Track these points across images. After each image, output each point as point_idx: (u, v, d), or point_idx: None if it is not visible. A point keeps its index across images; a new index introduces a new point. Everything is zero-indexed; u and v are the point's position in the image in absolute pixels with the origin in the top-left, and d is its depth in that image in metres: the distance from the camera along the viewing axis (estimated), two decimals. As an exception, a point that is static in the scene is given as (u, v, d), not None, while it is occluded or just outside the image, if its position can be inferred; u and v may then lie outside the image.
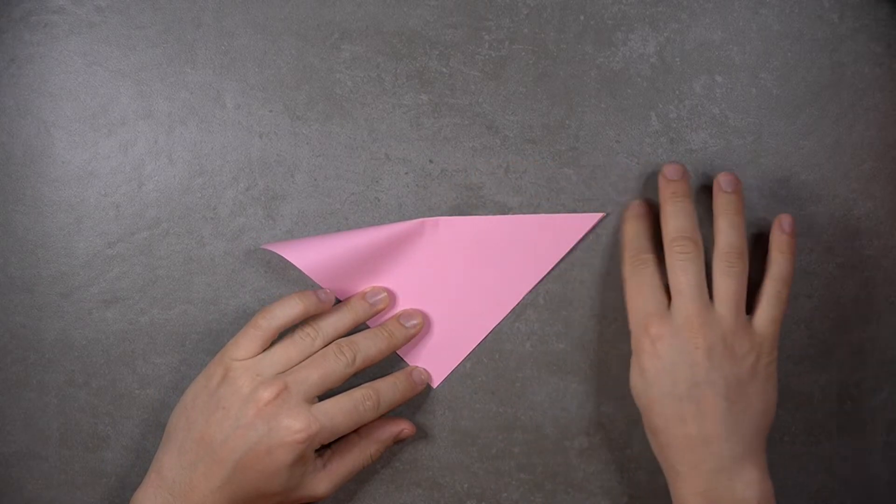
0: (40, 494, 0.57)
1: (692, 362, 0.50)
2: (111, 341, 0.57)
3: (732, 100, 0.57)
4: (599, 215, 0.57)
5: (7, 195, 0.56)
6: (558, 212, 0.57)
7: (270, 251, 0.56)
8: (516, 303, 0.57)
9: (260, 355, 0.52)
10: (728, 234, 0.53)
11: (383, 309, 0.56)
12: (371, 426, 0.55)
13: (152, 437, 0.57)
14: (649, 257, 0.54)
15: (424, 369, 0.57)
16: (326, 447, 0.54)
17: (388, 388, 0.54)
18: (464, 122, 0.57)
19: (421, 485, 0.58)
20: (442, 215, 0.57)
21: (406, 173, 0.57)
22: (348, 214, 0.57)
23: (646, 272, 0.54)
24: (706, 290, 0.52)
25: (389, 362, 0.57)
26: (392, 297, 0.56)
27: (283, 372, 0.52)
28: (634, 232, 0.55)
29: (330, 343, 0.53)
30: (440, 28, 0.56)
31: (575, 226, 0.57)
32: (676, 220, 0.54)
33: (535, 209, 0.57)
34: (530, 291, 0.58)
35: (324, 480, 0.53)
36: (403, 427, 0.56)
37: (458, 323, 0.57)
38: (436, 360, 0.58)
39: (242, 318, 0.57)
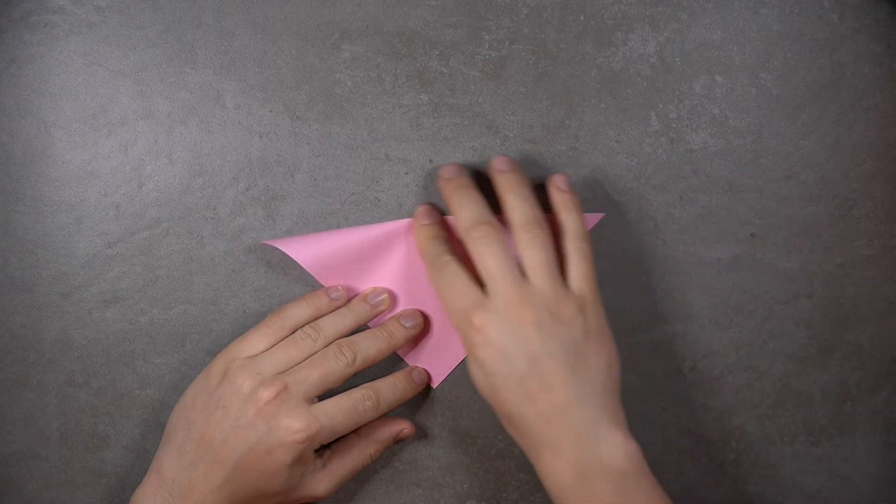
0: (40, 494, 0.57)
1: (524, 339, 0.49)
2: (111, 341, 0.57)
3: (732, 100, 0.57)
4: (599, 215, 0.57)
5: (7, 195, 0.56)
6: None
7: (271, 249, 0.56)
8: None
9: (260, 355, 0.52)
10: (520, 208, 0.52)
11: (384, 310, 0.56)
12: (371, 426, 0.55)
13: (152, 437, 0.57)
14: (448, 258, 0.52)
15: (424, 369, 0.57)
16: (326, 447, 0.54)
17: (387, 389, 0.54)
18: (464, 122, 0.57)
19: (421, 485, 0.58)
20: (442, 215, 0.57)
21: (406, 173, 0.57)
22: (348, 214, 0.57)
23: (450, 271, 0.51)
24: (516, 267, 0.50)
25: (389, 362, 0.57)
26: (392, 298, 0.56)
27: (283, 372, 0.52)
28: (426, 238, 0.54)
29: (330, 343, 0.53)
30: (440, 28, 0.56)
31: None
32: (465, 210, 0.52)
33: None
34: None
35: (323, 480, 0.53)
36: (403, 427, 0.56)
37: None
38: (436, 361, 0.58)
39: (242, 318, 0.57)
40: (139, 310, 0.57)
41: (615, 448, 0.48)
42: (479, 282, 0.51)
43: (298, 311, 0.54)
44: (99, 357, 0.57)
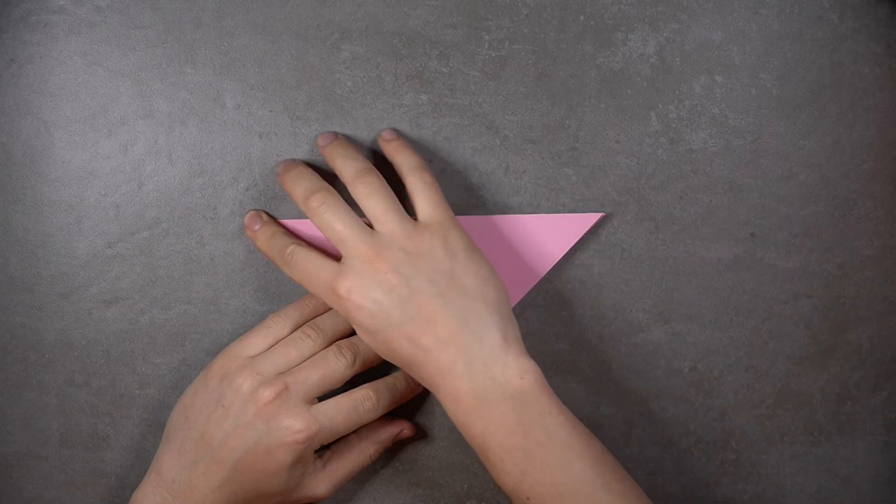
0: (40, 494, 0.57)
1: (390, 287, 0.49)
2: (111, 341, 0.57)
3: (732, 100, 0.57)
4: (599, 215, 0.57)
5: (7, 195, 0.56)
6: (558, 212, 0.57)
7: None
8: (516, 302, 0.57)
9: (260, 355, 0.52)
10: (346, 165, 0.52)
11: None
12: (370, 426, 0.55)
13: (152, 437, 0.57)
14: (294, 246, 0.52)
15: None
16: (326, 448, 0.54)
17: (387, 389, 0.54)
18: (464, 122, 0.57)
19: (421, 485, 0.58)
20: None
21: (406, 173, 0.57)
22: (348, 214, 0.57)
23: (298, 257, 0.51)
24: (361, 222, 0.50)
25: (389, 362, 0.57)
26: None
27: (283, 372, 0.52)
28: (265, 240, 0.54)
29: (330, 344, 0.53)
30: (440, 28, 0.56)
31: (574, 226, 0.57)
32: (299, 186, 0.52)
33: (535, 209, 0.57)
34: (530, 291, 0.58)
35: (323, 481, 0.53)
36: (403, 427, 0.56)
37: None
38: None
39: (242, 318, 0.57)
40: (139, 310, 0.57)
41: (508, 367, 0.48)
42: (330, 256, 0.51)
43: (298, 312, 0.54)
44: (99, 357, 0.57)
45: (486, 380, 0.48)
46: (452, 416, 0.50)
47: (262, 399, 0.50)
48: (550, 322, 0.58)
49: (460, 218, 0.57)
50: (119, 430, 0.57)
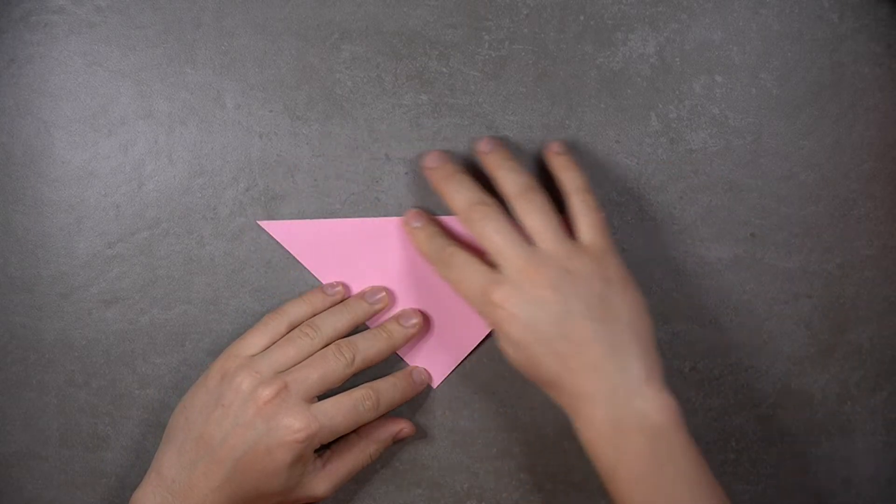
0: (40, 494, 0.57)
1: (546, 303, 0.49)
2: (111, 341, 0.57)
3: (732, 100, 0.57)
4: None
5: (7, 195, 0.56)
6: (558, 212, 0.57)
7: (271, 249, 0.57)
8: None
9: (259, 354, 0.52)
10: (511, 179, 0.52)
11: (382, 308, 0.56)
12: (370, 426, 0.55)
13: (152, 437, 0.57)
14: (453, 248, 0.52)
15: (424, 369, 0.57)
16: (326, 447, 0.54)
17: (387, 388, 0.54)
18: (464, 122, 0.57)
19: (421, 485, 0.58)
20: (442, 215, 0.57)
21: (406, 173, 0.57)
22: (348, 214, 0.57)
23: (457, 260, 0.51)
24: (522, 237, 0.50)
25: (389, 362, 0.57)
26: (391, 297, 0.56)
27: (283, 371, 0.52)
28: (424, 239, 0.54)
29: (329, 343, 0.53)
30: (440, 28, 0.56)
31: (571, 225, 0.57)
32: (459, 195, 0.52)
33: (535, 209, 0.57)
34: None
35: (323, 480, 0.53)
36: (403, 427, 0.56)
37: (458, 323, 0.57)
38: (435, 360, 0.58)
39: (242, 318, 0.57)
40: (139, 310, 0.57)
41: (649, 401, 0.48)
42: (488, 263, 0.51)
43: (296, 310, 0.54)
44: (99, 357, 0.57)
45: (626, 410, 0.48)
46: (584, 440, 0.50)
47: (261, 398, 0.50)
48: (550, 322, 0.58)
49: (455, 217, 0.57)
50: (119, 430, 0.57)
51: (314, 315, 0.54)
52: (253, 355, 0.52)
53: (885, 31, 0.57)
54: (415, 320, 0.56)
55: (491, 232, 0.50)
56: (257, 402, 0.50)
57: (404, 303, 0.57)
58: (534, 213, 0.51)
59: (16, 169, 0.56)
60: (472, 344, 0.58)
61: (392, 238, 0.56)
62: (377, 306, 0.55)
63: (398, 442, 0.57)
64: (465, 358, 0.58)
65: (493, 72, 0.57)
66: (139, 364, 0.57)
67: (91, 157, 0.56)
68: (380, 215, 0.57)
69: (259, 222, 0.56)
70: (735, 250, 0.58)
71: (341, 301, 0.55)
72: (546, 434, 0.58)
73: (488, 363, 0.58)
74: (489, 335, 0.58)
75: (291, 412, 0.50)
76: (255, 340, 0.53)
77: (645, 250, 0.58)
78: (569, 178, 0.53)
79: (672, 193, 0.58)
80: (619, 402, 0.48)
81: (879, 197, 0.58)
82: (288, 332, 0.54)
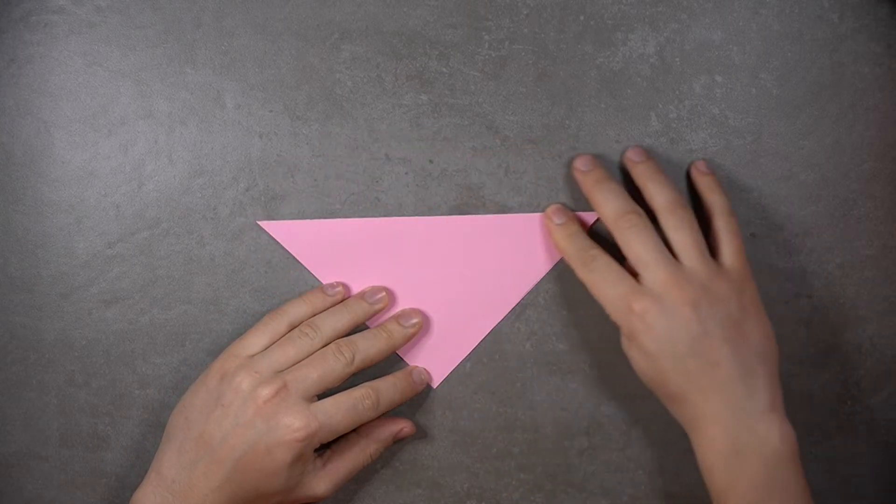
0: (40, 494, 0.57)
1: (684, 320, 0.49)
2: (111, 341, 0.57)
3: (732, 100, 0.57)
4: (594, 214, 0.57)
5: (7, 195, 0.56)
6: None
7: (271, 249, 0.57)
8: (516, 302, 0.57)
9: (259, 354, 0.52)
10: (661, 193, 0.53)
11: (382, 308, 0.56)
12: (371, 425, 0.55)
13: (152, 437, 0.57)
14: (596, 251, 0.53)
15: (424, 369, 0.57)
16: (326, 447, 0.54)
17: (387, 388, 0.54)
18: (464, 122, 0.57)
19: (421, 485, 0.58)
20: (442, 215, 0.57)
21: (406, 173, 0.57)
22: (348, 214, 0.57)
23: (600, 263, 0.52)
24: (667, 251, 0.51)
25: (389, 362, 0.57)
26: (391, 297, 0.56)
27: (283, 371, 0.52)
28: (567, 236, 0.54)
29: (329, 343, 0.53)
30: (440, 28, 0.56)
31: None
32: (610, 202, 0.53)
33: (535, 209, 0.57)
34: (530, 291, 0.58)
35: (323, 480, 0.53)
36: (403, 426, 0.56)
37: (458, 322, 0.57)
38: (435, 360, 0.58)
39: (242, 318, 0.57)
40: (139, 310, 0.57)
41: (772, 427, 0.49)
42: (630, 272, 0.52)
43: (296, 310, 0.54)
44: (99, 357, 0.57)
45: (748, 434, 0.49)
46: (701, 458, 0.50)
47: (261, 398, 0.50)
48: (550, 322, 0.58)
49: (459, 217, 0.57)
50: (119, 430, 0.57)
51: (314, 315, 0.54)
52: (252, 355, 0.52)
53: (885, 31, 0.57)
54: (415, 320, 0.56)
55: (638, 243, 0.51)
56: (257, 402, 0.50)
57: (404, 303, 0.57)
58: (682, 229, 0.52)
59: (16, 169, 0.56)
60: (473, 344, 0.58)
61: (393, 238, 0.56)
62: (377, 306, 0.55)
63: (398, 441, 0.57)
64: (465, 358, 0.58)
65: (493, 72, 0.57)
66: (139, 364, 0.57)
67: (91, 157, 0.56)
68: (380, 215, 0.57)
69: (259, 222, 0.56)
70: (735, 250, 0.58)
71: (341, 301, 0.55)
72: (546, 434, 0.58)
73: (488, 363, 0.58)
74: (489, 335, 0.58)
75: (291, 411, 0.50)
76: (254, 340, 0.53)
77: (645, 250, 0.58)
78: (714, 200, 0.54)
79: (672, 193, 0.58)
80: (742, 425, 0.49)
81: (879, 197, 0.58)
82: (288, 332, 0.54)
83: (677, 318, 0.50)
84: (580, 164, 0.55)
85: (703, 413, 0.50)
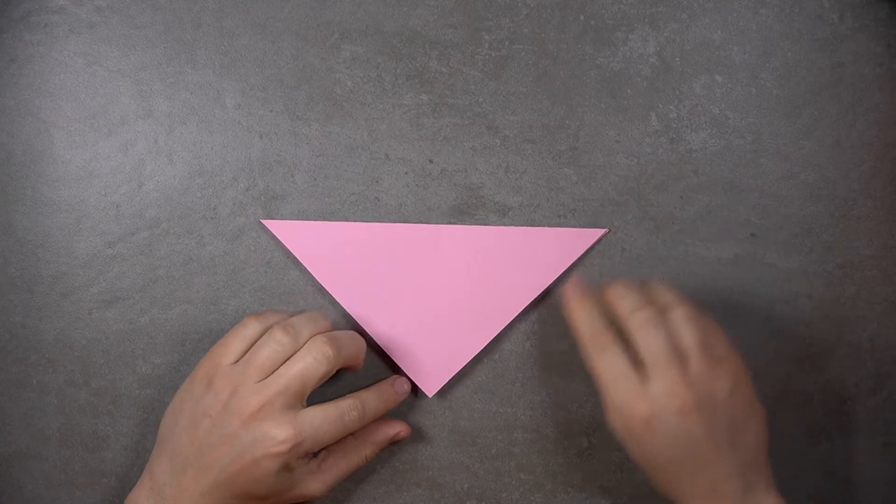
0: (40, 494, 0.57)
1: (688, 426, 0.50)
2: (111, 341, 0.57)
3: (732, 100, 0.57)
4: (602, 231, 0.57)
5: (7, 195, 0.56)
6: (558, 211, 0.57)
7: (271, 249, 0.56)
8: (514, 316, 0.57)
9: (241, 361, 0.51)
10: (660, 294, 0.53)
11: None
12: (367, 428, 0.55)
13: (152, 437, 0.57)
14: (608, 338, 0.52)
15: (406, 379, 0.57)
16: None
17: (372, 399, 0.54)
18: (464, 122, 0.57)
19: (421, 485, 0.58)
20: (442, 215, 0.57)
21: (406, 173, 0.57)
22: (348, 214, 0.57)
23: (610, 354, 0.51)
24: (675, 349, 0.51)
25: (379, 371, 0.57)
26: (389, 301, 0.56)
27: (267, 378, 0.51)
28: (585, 313, 0.53)
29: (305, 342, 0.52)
30: (440, 28, 0.56)
31: (577, 241, 0.57)
32: (622, 300, 0.52)
33: (535, 209, 0.57)
34: (529, 305, 0.57)
35: (318, 480, 0.53)
36: (399, 430, 0.56)
37: (456, 333, 0.57)
38: (432, 370, 0.57)
39: (242, 318, 0.57)
40: (139, 310, 0.57)
41: None
42: (635, 361, 0.51)
43: (274, 316, 0.54)
44: (99, 357, 0.57)
45: None
46: None
47: (245, 411, 0.50)
48: (550, 322, 0.58)
49: (462, 227, 0.57)
50: (119, 430, 0.57)
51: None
52: (234, 363, 0.52)
53: (885, 31, 0.57)
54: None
55: (651, 338, 0.51)
56: (241, 416, 0.50)
57: (402, 309, 0.57)
58: (688, 326, 0.51)
59: (16, 169, 0.56)
60: (470, 355, 0.57)
61: (394, 244, 0.56)
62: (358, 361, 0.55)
63: (397, 443, 0.57)
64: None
65: (493, 72, 0.57)
66: (139, 364, 0.57)
67: (91, 157, 0.56)
68: (380, 215, 0.57)
69: (262, 221, 0.56)
70: (735, 250, 0.58)
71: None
72: (546, 434, 0.58)
73: (488, 363, 0.58)
74: (487, 344, 0.58)
75: (276, 422, 0.50)
76: (234, 346, 0.52)
77: (645, 250, 0.58)
78: (665, 302, 0.53)
79: (672, 193, 0.58)
80: None
81: (879, 197, 0.58)
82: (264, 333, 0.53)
83: (681, 425, 0.50)
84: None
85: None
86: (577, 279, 0.56)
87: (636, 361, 0.51)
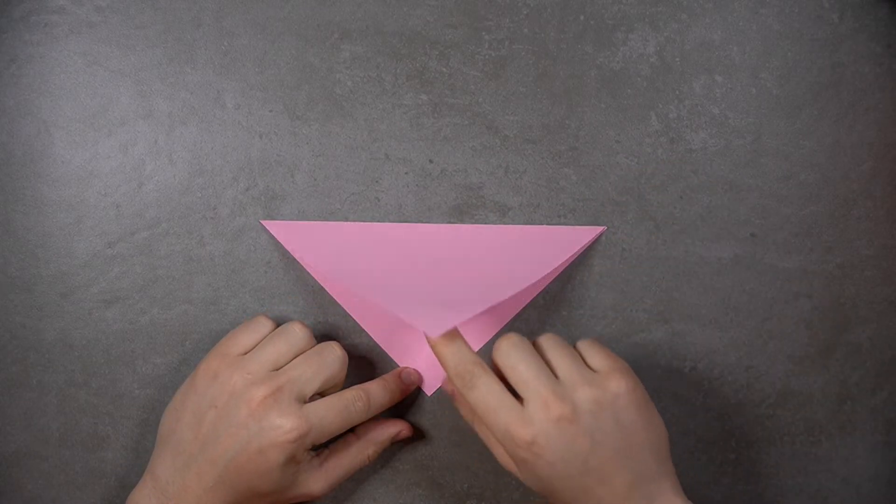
0: (40, 494, 0.57)
1: (573, 442, 0.48)
2: (111, 341, 0.57)
3: (732, 100, 0.57)
4: (600, 229, 0.57)
5: (7, 195, 0.56)
6: (558, 211, 0.57)
7: (271, 249, 0.57)
8: (513, 315, 0.57)
9: (250, 353, 0.52)
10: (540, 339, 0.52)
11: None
12: (369, 427, 0.55)
13: (152, 437, 0.57)
14: (478, 369, 0.50)
15: (415, 370, 0.57)
16: (324, 446, 0.54)
17: (378, 390, 0.54)
18: (464, 122, 0.57)
19: (421, 485, 0.58)
20: (442, 215, 0.57)
21: (406, 173, 0.57)
22: (348, 214, 0.57)
23: (481, 383, 0.49)
24: (546, 368, 0.49)
25: (383, 363, 0.57)
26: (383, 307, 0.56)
27: (276, 370, 0.51)
28: (452, 352, 0.50)
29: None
30: (440, 28, 0.56)
31: (575, 239, 0.57)
32: (499, 349, 0.51)
33: (535, 209, 0.57)
34: (527, 304, 0.57)
35: (319, 479, 0.53)
36: (401, 428, 0.56)
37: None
38: (431, 369, 0.57)
39: (242, 318, 0.57)
40: (139, 310, 0.57)
41: None
42: (510, 388, 0.50)
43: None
44: (99, 357, 0.57)
45: None
46: None
47: (254, 399, 0.50)
48: (550, 322, 0.58)
49: (460, 226, 0.57)
50: (119, 430, 0.57)
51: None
52: (243, 354, 0.52)
53: (885, 31, 0.57)
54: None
55: (517, 362, 0.49)
56: (250, 404, 0.50)
57: (402, 308, 0.57)
58: (556, 350, 0.50)
59: (16, 169, 0.56)
60: None
61: (393, 244, 0.56)
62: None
63: (397, 442, 0.57)
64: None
65: (493, 72, 0.57)
66: (139, 364, 0.57)
67: (91, 157, 0.56)
68: (380, 215, 0.57)
69: (262, 222, 0.56)
70: (735, 250, 0.58)
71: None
72: (546, 434, 0.58)
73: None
74: (487, 343, 0.58)
75: (283, 413, 0.50)
76: (244, 339, 0.53)
77: (645, 250, 0.58)
78: (550, 344, 0.52)
79: (672, 193, 0.58)
80: None
81: (879, 197, 0.58)
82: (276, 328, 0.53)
83: (566, 442, 0.48)
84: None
85: None
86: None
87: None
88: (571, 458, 0.48)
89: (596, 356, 0.51)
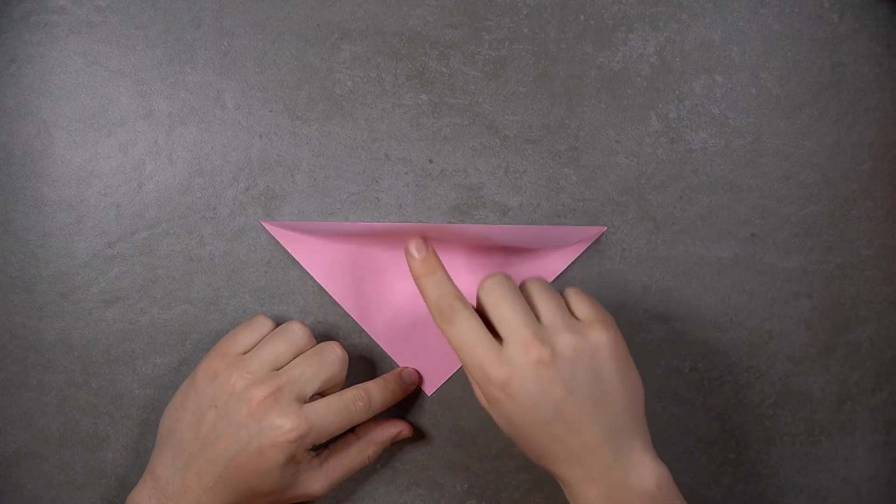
0: (40, 494, 0.57)
1: (547, 387, 0.47)
2: (111, 341, 0.57)
3: (732, 100, 0.57)
4: (600, 229, 0.57)
5: (7, 195, 0.56)
6: (558, 211, 0.57)
7: (271, 249, 0.57)
8: None
9: (251, 353, 0.52)
10: (526, 281, 0.51)
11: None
12: (369, 427, 0.55)
13: (152, 437, 0.57)
14: (458, 303, 0.49)
15: (415, 370, 0.57)
16: (324, 447, 0.54)
17: (379, 390, 0.54)
18: (464, 122, 0.57)
19: (421, 485, 0.58)
20: (442, 215, 0.57)
21: (406, 173, 0.57)
22: (348, 214, 0.57)
23: (460, 318, 0.49)
24: (529, 310, 0.49)
25: (380, 372, 0.57)
26: (388, 300, 0.56)
27: (276, 370, 0.51)
28: (429, 276, 0.50)
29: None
30: (440, 28, 0.56)
31: (577, 238, 0.57)
32: (443, 284, 0.50)
33: (535, 209, 0.57)
34: None
35: (320, 480, 0.53)
36: (401, 429, 0.56)
37: None
38: (430, 369, 0.57)
39: (242, 318, 0.57)
40: (139, 310, 0.57)
41: (644, 474, 0.48)
42: (490, 326, 0.49)
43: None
44: (99, 357, 0.57)
45: (621, 485, 0.47)
46: None
47: (254, 399, 0.50)
48: (550, 322, 0.58)
49: (460, 226, 0.57)
50: (119, 430, 0.57)
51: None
52: (243, 354, 0.52)
53: (885, 31, 0.57)
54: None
55: (500, 301, 0.49)
56: (250, 404, 0.50)
57: (402, 310, 0.57)
58: (542, 294, 0.50)
59: (16, 169, 0.56)
60: None
61: (394, 244, 0.56)
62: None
63: (397, 442, 0.57)
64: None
65: (493, 72, 0.57)
66: (139, 364, 0.57)
67: (91, 157, 0.56)
68: (380, 215, 0.57)
69: (262, 223, 0.56)
70: (735, 250, 0.58)
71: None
72: (546, 434, 0.58)
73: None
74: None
75: (283, 412, 0.50)
76: (244, 339, 0.53)
77: (645, 250, 0.58)
78: (535, 286, 0.51)
79: (672, 193, 0.58)
80: (614, 478, 0.47)
81: (879, 197, 0.58)
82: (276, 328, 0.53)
83: (540, 386, 0.47)
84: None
85: (573, 476, 0.48)
86: (419, 240, 0.51)
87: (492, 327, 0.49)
88: (544, 402, 0.47)
89: (581, 305, 0.50)
